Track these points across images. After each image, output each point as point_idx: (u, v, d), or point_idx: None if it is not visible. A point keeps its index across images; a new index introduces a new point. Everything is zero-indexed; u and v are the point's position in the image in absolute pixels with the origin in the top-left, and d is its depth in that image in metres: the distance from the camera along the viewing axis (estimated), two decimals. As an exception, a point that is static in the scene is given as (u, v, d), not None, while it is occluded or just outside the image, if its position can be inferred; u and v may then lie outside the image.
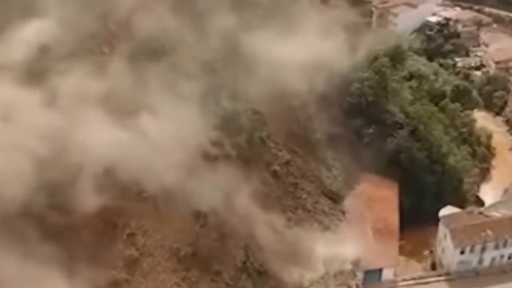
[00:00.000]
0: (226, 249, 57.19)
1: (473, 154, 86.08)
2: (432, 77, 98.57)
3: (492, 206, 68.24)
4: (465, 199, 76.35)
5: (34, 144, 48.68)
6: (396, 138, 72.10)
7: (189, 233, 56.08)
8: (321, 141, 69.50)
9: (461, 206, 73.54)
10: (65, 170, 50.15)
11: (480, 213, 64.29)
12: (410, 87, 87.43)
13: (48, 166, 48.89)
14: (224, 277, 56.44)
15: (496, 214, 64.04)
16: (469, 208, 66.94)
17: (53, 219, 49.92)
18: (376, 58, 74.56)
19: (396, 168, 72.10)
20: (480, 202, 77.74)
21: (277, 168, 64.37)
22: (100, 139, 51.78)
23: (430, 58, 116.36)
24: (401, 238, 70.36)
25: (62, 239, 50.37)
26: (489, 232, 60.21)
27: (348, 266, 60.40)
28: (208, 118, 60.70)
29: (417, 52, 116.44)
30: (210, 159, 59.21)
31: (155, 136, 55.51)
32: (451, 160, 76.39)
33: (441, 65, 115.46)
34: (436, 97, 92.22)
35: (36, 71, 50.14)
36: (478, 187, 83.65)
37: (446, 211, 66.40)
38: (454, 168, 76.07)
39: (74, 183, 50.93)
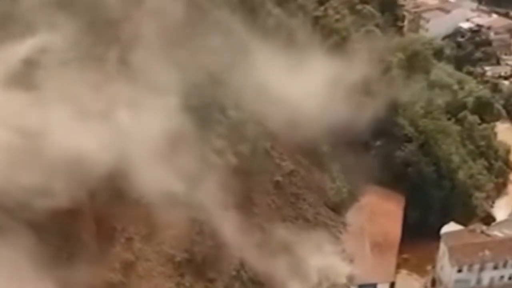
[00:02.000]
0: (221, 257, 58.54)
1: (490, 168, 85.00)
2: (456, 86, 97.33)
3: (497, 225, 67.44)
4: (475, 214, 75.70)
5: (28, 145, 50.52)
6: (404, 152, 71.74)
7: (185, 240, 57.63)
8: (327, 152, 69.65)
9: (470, 221, 73.12)
10: (66, 173, 51.93)
11: (482, 232, 63.55)
12: (428, 98, 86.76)
13: (44, 168, 50.54)
14: (218, 285, 57.88)
15: (498, 234, 63.43)
16: (472, 226, 66.29)
17: (52, 220, 52.07)
18: (388, 69, 73.90)
19: (403, 181, 72.05)
20: (491, 218, 76.68)
21: (280, 178, 65.37)
22: (102, 145, 53.60)
23: (459, 66, 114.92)
24: (406, 252, 70.89)
25: (61, 240, 52.84)
26: (486, 252, 59.54)
27: (343, 280, 60.82)
28: (212, 127, 61.98)
29: (447, 59, 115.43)
30: (211, 168, 60.32)
31: (156, 144, 56.99)
32: (460, 175, 75.95)
33: (470, 73, 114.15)
34: (457, 108, 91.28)
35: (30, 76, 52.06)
36: (493, 202, 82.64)
37: (449, 227, 66.10)
38: (463, 184, 75.57)
39: (75, 186, 52.87)
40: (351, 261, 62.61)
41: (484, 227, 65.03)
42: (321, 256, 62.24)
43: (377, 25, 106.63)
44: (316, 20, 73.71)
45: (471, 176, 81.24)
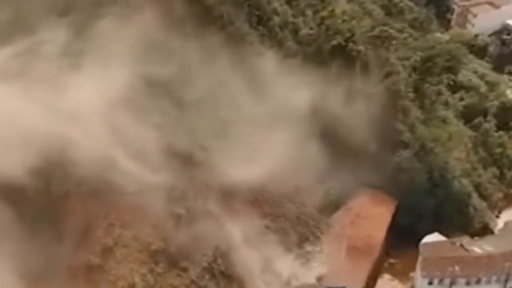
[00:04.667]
0: (197, 248, 62.34)
1: (501, 177, 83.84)
2: (483, 89, 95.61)
3: (481, 239, 67.32)
4: (471, 225, 75.28)
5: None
6: (398, 158, 72.26)
7: (162, 229, 61.83)
8: (319, 153, 70.89)
9: (466, 232, 73.39)
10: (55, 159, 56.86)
11: (462, 246, 63.65)
12: (445, 102, 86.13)
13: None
14: (191, 274, 62.07)
15: (477, 249, 63.53)
16: (453, 239, 66.79)
17: (42, 203, 57.47)
18: (389, 74, 73.92)
19: (396, 187, 72.89)
20: (489, 230, 76.17)
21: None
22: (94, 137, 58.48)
23: (501, 65, 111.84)
24: (393, 257, 72.53)
25: (50, 222, 58.21)
26: (456, 267, 59.97)
27: (312, 281, 62.87)
28: (200, 123, 65.02)
29: (490, 57, 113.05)
30: (194, 163, 63.60)
31: (144, 140, 61.04)
32: (456, 184, 75.53)
33: (511, 73, 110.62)
34: (478, 112, 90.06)
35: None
36: (499, 212, 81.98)
37: (431, 238, 66.54)
38: (458, 193, 75.10)
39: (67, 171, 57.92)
40: (325, 262, 64.49)
41: (464, 241, 65.23)
42: (295, 255, 64.74)
43: (415, 19, 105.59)
44: (322, 20, 74.35)
45: (478, 185, 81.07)
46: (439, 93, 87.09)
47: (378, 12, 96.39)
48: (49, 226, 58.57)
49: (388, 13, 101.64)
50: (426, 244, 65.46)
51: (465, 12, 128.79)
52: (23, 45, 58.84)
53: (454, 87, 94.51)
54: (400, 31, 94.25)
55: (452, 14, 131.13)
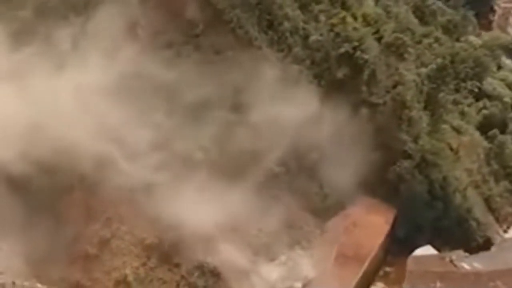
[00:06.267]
0: (188, 246, 65.48)
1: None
2: (507, 98, 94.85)
3: (470, 256, 67.78)
4: (473, 239, 75.91)
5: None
6: (399, 168, 73.24)
7: (157, 226, 65.34)
8: (318, 159, 72.74)
9: (467, 246, 74.03)
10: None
11: (451, 261, 64.57)
12: (461, 112, 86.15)
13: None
14: (182, 270, 65.48)
15: (465, 266, 64.23)
16: (443, 253, 67.51)
17: (44, 195, 62.27)
18: (396, 84, 74.65)
19: (397, 197, 74.09)
20: (490, 244, 76.44)
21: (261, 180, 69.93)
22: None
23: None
24: (389, 265, 73.82)
25: (54, 214, 63.04)
26: (438, 284, 61.01)
27: (299, 285, 65.20)
28: (200, 125, 68.14)
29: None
30: (192, 164, 66.82)
31: (143, 139, 64.85)
32: (457, 197, 76.29)
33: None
34: (498, 124, 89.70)
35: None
36: (508, 227, 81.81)
37: (422, 251, 67.61)
38: (458, 207, 75.65)
39: (70, 166, 62.56)
40: (314, 267, 66.66)
41: (454, 256, 65.99)
42: (285, 258, 67.19)
43: (448, 22, 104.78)
44: (332, 27, 75.62)
45: (488, 198, 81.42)
46: (456, 102, 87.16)
47: (404, 16, 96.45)
48: (52, 217, 63.64)
49: (421, 16, 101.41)
50: (415, 257, 66.97)
51: (506, 14, 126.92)
52: (38, 45, 63.60)
53: (478, 96, 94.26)
54: (425, 35, 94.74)
55: (494, 15, 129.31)
